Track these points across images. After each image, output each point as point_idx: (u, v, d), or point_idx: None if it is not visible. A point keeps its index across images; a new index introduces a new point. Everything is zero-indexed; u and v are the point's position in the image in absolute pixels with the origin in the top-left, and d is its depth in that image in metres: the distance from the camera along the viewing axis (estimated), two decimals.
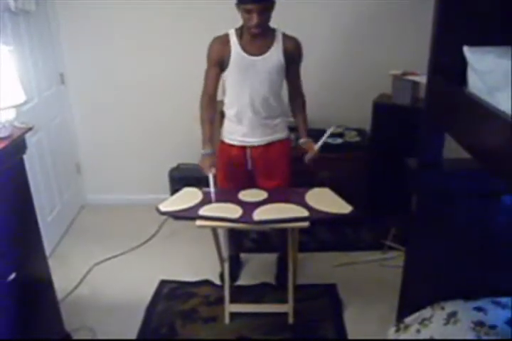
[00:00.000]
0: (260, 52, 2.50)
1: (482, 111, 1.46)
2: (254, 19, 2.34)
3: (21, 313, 2.04)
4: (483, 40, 1.64)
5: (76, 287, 2.99)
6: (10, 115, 2.01)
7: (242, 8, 2.36)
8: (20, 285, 2.02)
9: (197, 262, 3.22)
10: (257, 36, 2.47)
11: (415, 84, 3.34)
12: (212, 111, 2.64)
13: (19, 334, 2.02)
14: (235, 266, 3.09)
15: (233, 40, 2.50)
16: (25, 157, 2.13)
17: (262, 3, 2.33)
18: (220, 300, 2.76)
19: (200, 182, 2.92)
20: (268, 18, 2.43)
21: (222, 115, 2.77)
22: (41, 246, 2.30)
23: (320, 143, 2.66)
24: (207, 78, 2.60)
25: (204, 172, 2.57)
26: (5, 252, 1.94)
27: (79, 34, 3.58)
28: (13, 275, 1.96)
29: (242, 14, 2.39)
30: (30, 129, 2.14)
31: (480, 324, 1.96)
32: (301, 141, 2.71)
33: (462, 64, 1.66)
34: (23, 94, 1.99)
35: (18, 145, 2.04)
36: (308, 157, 2.64)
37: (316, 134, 3.44)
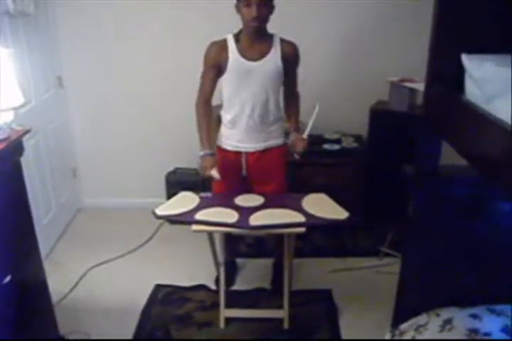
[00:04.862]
0: (258, 57, 2.51)
1: (479, 119, 1.47)
2: (254, 11, 2.36)
3: (16, 316, 2.03)
4: (481, 48, 1.65)
5: (71, 290, 2.97)
6: (8, 117, 2.01)
7: (242, 2, 2.37)
8: (16, 288, 2.01)
9: (192, 267, 3.22)
10: (255, 38, 2.49)
11: (413, 91, 3.35)
12: (209, 115, 2.63)
13: (13, 336, 2.00)
14: (231, 271, 3.08)
15: (231, 45, 2.51)
16: (22, 159, 2.13)
17: None
18: (216, 305, 2.76)
19: (196, 186, 2.93)
20: (267, 15, 2.43)
21: (219, 120, 2.77)
22: (37, 249, 2.28)
23: (308, 127, 2.59)
24: (203, 82, 2.60)
25: (204, 173, 2.55)
26: (0, 254, 1.93)
27: (77, 37, 3.58)
28: (8, 278, 1.94)
29: (241, 10, 2.40)
30: (27, 132, 2.13)
31: (475, 331, 1.96)
32: (290, 138, 2.66)
33: (460, 72, 1.67)
34: (21, 96, 1.99)
35: (15, 148, 2.04)
36: (296, 149, 2.59)
37: (313, 140, 3.44)
